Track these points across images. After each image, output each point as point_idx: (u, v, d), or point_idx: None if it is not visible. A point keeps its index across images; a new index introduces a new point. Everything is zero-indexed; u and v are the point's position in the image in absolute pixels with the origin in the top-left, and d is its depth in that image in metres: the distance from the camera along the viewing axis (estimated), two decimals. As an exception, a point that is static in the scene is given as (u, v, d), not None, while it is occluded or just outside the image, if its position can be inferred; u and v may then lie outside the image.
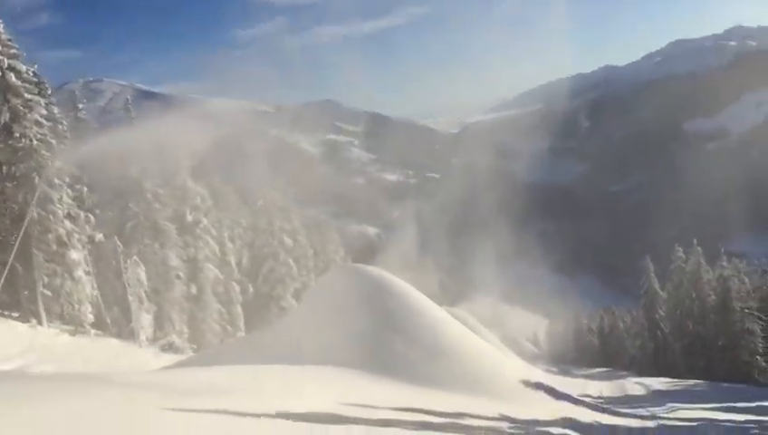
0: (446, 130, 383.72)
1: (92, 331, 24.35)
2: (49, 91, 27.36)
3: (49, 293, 23.48)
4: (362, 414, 9.12)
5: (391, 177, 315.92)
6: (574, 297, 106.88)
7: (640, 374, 39.67)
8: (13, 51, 22.54)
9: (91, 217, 26.22)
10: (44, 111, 23.79)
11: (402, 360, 14.54)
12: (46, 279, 23.31)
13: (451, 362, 14.78)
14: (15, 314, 22.52)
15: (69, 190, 25.19)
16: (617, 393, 24.69)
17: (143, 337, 27.04)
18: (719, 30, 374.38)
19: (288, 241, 44.40)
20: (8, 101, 22.19)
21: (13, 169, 22.62)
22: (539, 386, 16.83)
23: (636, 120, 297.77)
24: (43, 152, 22.80)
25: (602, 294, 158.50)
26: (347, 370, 13.78)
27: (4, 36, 22.22)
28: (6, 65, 22.07)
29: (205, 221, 35.73)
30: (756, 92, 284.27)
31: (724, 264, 44.02)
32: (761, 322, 39.85)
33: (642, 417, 15.85)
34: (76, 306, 23.72)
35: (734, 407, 19.30)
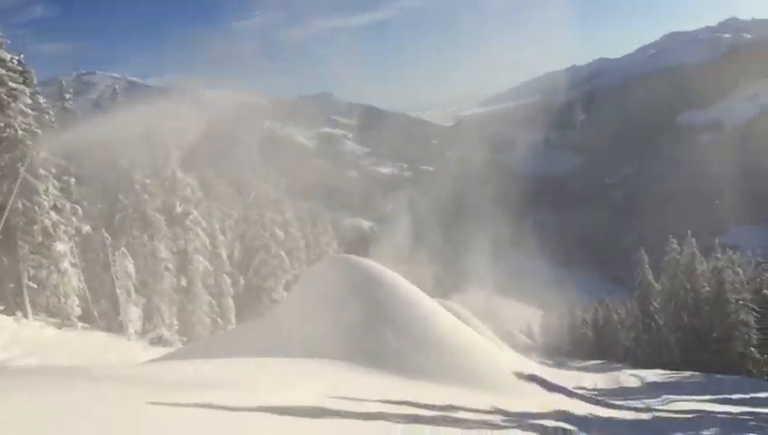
0: (440, 123, 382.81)
1: (79, 324, 24.04)
2: (35, 81, 26.79)
3: (34, 285, 23.16)
4: (352, 407, 8.87)
5: (386, 170, 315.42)
6: (569, 289, 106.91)
7: (635, 366, 39.61)
8: (-4, 39, 22.12)
9: (79, 209, 25.86)
10: (29, 101, 23.38)
11: (392, 351, 14.27)
12: (32, 271, 22.99)
13: (442, 354, 14.50)
14: (0, 307, 22.13)
15: (55, 181, 24.82)
16: (611, 385, 24.55)
17: (132, 330, 26.71)
18: (713, 22, 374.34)
19: (280, 233, 44.05)
20: (-9, 90, 21.77)
21: (-4, 159, 22.21)
22: (532, 378, 16.58)
23: (631, 112, 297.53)
24: (28, 142, 22.39)
25: (597, 286, 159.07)
26: (336, 362, 13.55)
27: (-14, 25, 21.78)
28: (-11, 53, 21.65)
29: (195, 213, 35.35)
30: (751, 85, 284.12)
31: (719, 255, 44.03)
32: (755, 313, 39.78)
33: (637, 409, 15.64)
34: (62, 299, 23.39)
35: (729, 398, 19.12)
